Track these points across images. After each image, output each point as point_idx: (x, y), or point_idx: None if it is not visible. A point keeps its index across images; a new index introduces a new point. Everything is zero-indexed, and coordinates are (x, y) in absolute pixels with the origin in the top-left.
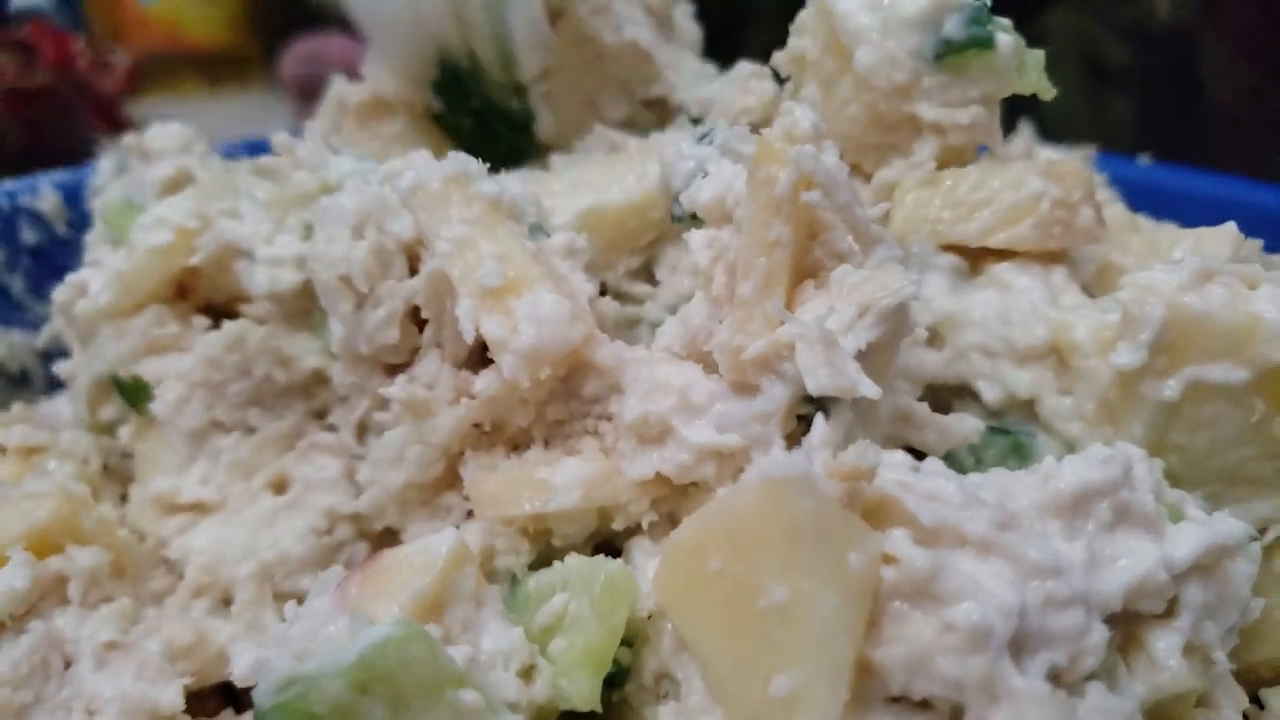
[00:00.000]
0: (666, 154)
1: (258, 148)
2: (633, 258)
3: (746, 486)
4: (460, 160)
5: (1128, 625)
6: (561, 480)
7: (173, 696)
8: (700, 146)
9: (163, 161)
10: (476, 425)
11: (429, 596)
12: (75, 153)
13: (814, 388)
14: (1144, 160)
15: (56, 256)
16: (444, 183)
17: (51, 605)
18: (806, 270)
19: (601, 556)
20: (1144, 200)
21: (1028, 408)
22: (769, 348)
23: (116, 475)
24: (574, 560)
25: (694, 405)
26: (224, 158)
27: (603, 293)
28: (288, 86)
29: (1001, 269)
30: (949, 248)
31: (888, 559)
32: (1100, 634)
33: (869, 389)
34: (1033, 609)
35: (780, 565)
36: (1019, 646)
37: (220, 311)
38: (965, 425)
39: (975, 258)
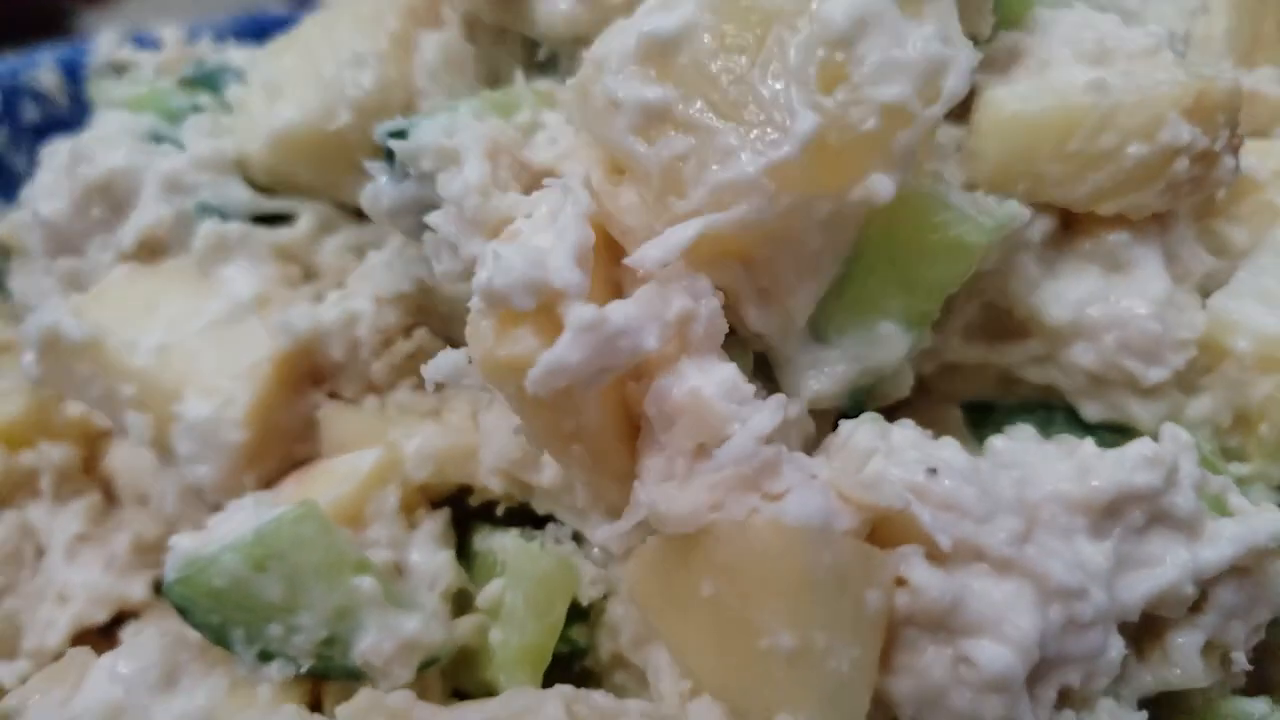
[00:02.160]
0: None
1: (254, 24)
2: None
3: (758, 523)
4: None
5: (1148, 622)
6: (414, 449)
7: (140, 589)
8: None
9: None
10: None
11: (348, 507)
12: (53, 23)
13: None
14: None
15: (58, 133)
16: None
17: (24, 497)
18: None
19: (537, 547)
20: None
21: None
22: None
23: None
24: (511, 542)
25: None
26: (216, 36)
27: None
28: None
29: (1113, 241)
30: (1045, 206)
31: (900, 582)
32: (1117, 650)
33: None
34: (1052, 633)
35: (790, 614)
36: (1034, 674)
37: None
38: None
39: (1066, 217)
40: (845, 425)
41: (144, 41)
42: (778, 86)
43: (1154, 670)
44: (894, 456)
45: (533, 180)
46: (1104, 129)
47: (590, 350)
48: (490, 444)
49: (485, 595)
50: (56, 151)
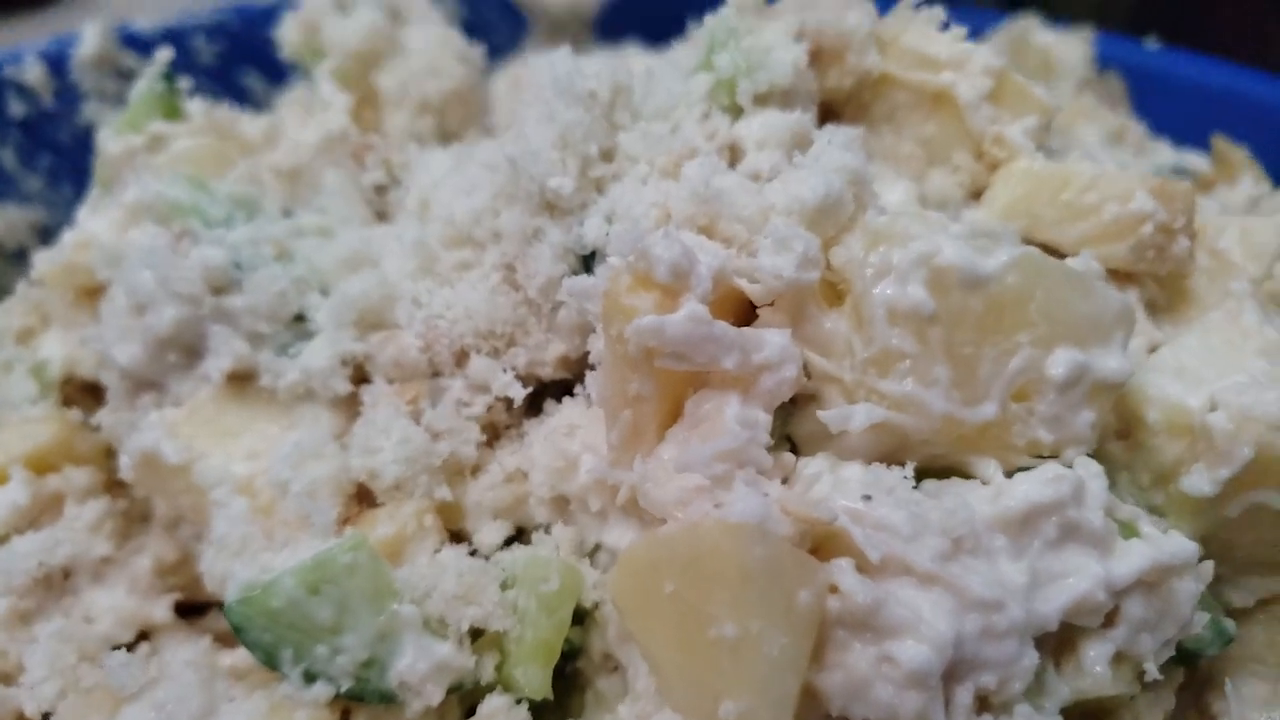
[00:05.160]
0: None
1: (240, 16)
2: None
3: (706, 523)
4: None
5: (1065, 634)
6: (473, 502)
7: (162, 611)
8: None
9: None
10: None
11: (391, 544)
12: None
13: None
14: (1151, 44)
15: (45, 128)
16: None
17: (50, 520)
18: (683, 397)
19: (548, 556)
20: (1150, 87)
21: None
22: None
23: None
24: (522, 555)
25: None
26: (211, 28)
27: None
28: None
29: None
30: (1035, 241)
31: (832, 589)
32: (1031, 659)
33: None
34: (969, 639)
35: (732, 603)
36: (951, 673)
37: None
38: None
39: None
40: (803, 459)
41: (132, 41)
42: (992, 371)
43: (1069, 681)
44: (840, 486)
45: None
46: (1090, 189)
47: (684, 335)
48: (538, 468)
49: (503, 604)
50: (114, 296)
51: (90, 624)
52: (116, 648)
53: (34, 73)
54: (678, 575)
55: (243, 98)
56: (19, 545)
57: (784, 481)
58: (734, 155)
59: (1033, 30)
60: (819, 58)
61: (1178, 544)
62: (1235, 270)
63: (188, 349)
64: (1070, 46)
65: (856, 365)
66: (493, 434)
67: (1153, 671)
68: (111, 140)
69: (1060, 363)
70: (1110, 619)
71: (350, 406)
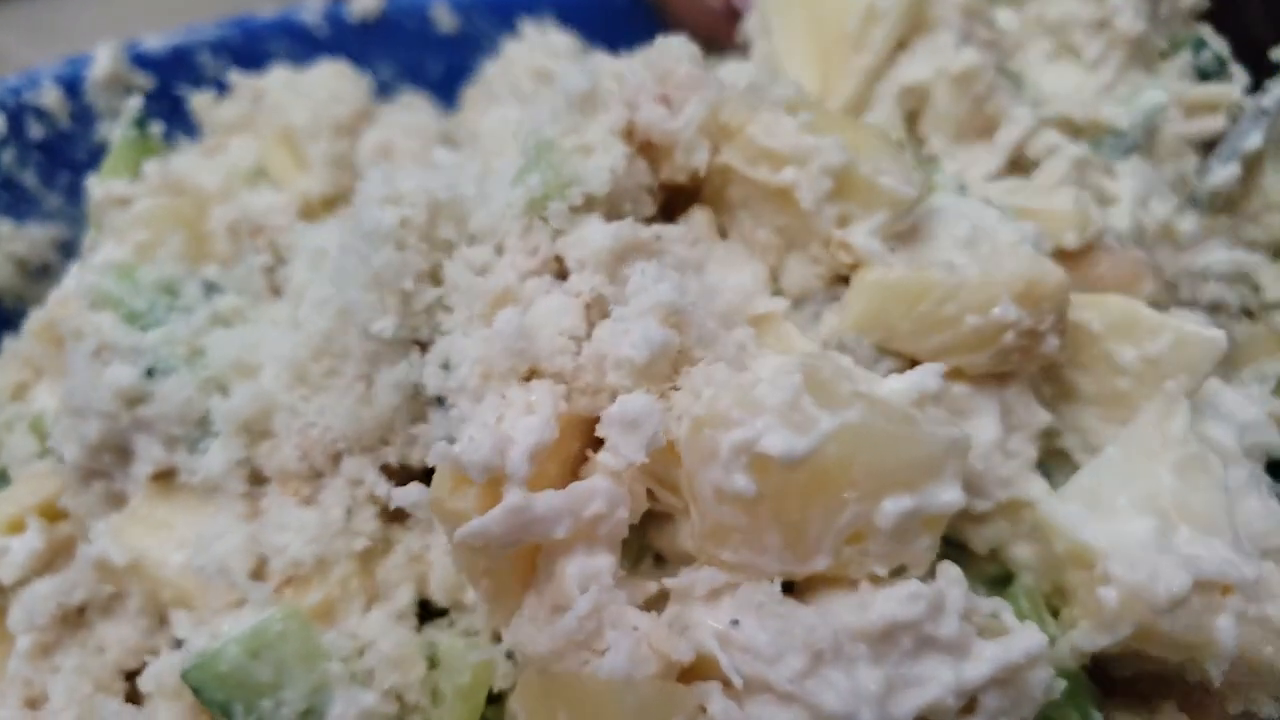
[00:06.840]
0: None
1: (242, 30)
2: None
3: (584, 674)
4: None
5: None
6: (381, 577)
7: (161, 642)
8: None
9: None
10: None
11: (320, 606)
12: None
13: None
14: None
15: (63, 149)
16: None
17: (64, 562)
18: (535, 554)
19: (464, 647)
20: None
21: None
22: None
23: None
24: (447, 640)
25: None
26: (214, 44)
27: None
28: None
29: (956, 392)
30: (891, 352)
31: (703, 709)
32: None
33: None
34: None
35: None
36: None
37: None
38: None
39: (914, 363)
40: (683, 573)
41: (142, 60)
42: (821, 530)
43: None
44: (711, 612)
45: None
46: (948, 300)
47: (509, 527)
48: (435, 571)
49: (426, 683)
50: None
51: (102, 654)
52: (128, 674)
53: (50, 96)
54: (567, 709)
55: None
56: (39, 587)
57: (658, 600)
58: (561, 268)
59: None
60: (649, 151)
61: (1028, 639)
62: (1167, 374)
63: (118, 450)
64: None
65: (695, 534)
66: (391, 516)
67: None
68: (96, 186)
69: (888, 513)
70: (970, 707)
71: (256, 499)
